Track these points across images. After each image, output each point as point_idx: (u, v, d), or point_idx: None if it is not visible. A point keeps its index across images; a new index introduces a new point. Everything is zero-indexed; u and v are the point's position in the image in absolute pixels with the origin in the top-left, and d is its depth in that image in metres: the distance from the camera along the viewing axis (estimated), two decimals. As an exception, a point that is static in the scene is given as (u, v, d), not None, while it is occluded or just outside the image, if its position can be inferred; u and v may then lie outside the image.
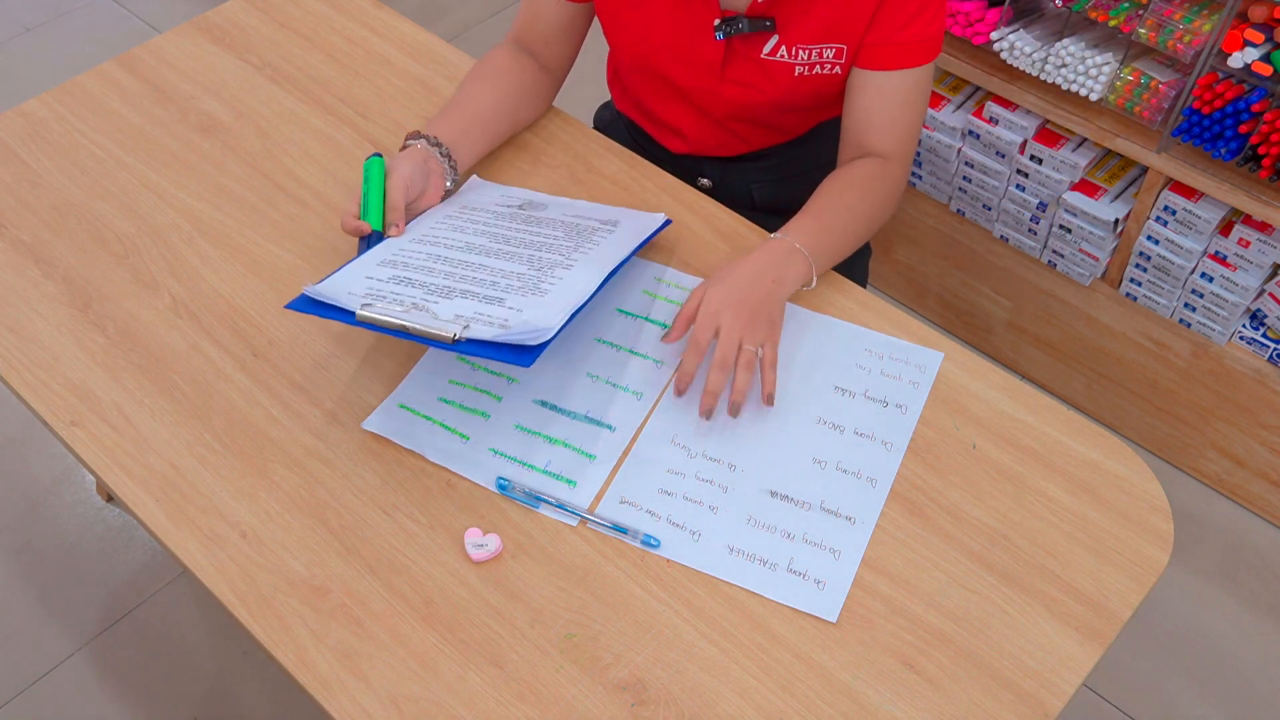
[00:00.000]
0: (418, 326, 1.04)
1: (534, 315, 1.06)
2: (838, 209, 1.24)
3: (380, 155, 1.21)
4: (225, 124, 1.41)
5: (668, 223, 1.26)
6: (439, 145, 1.24)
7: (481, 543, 1.03)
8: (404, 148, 1.25)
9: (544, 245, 1.18)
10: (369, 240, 1.17)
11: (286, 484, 1.08)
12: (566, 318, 1.06)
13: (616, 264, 1.15)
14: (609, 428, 1.11)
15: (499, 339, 1.03)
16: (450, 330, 1.03)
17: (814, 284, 1.20)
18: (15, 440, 2.04)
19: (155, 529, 1.05)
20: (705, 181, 1.46)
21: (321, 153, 1.37)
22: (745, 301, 1.12)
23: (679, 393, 1.11)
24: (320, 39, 1.52)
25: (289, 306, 1.08)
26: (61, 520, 1.94)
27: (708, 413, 1.09)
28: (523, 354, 1.02)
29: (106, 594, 1.85)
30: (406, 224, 1.21)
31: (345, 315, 1.06)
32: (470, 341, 1.03)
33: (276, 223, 1.30)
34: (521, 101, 1.35)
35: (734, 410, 1.10)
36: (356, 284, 1.10)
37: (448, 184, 1.26)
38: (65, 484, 1.99)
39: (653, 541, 1.03)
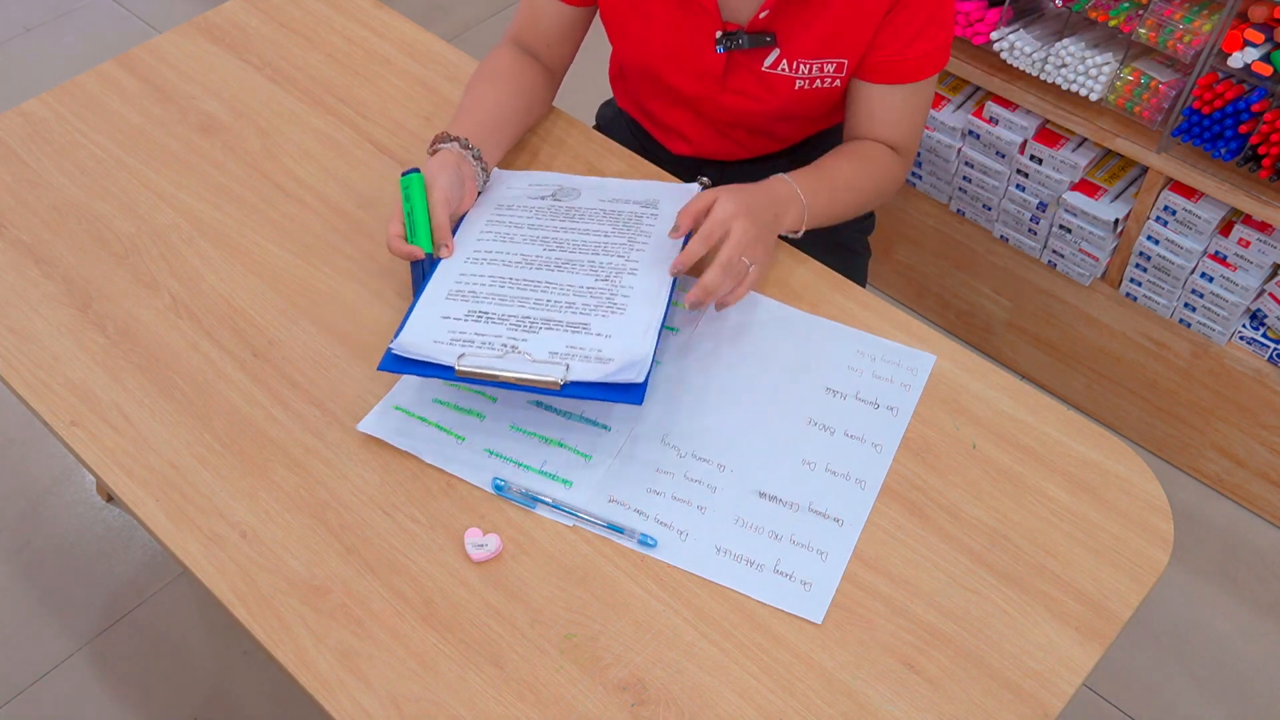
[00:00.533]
0: (523, 375, 1.03)
1: (624, 342, 1.07)
2: (843, 178, 1.25)
3: (418, 170, 1.19)
4: (225, 124, 1.41)
5: (704, 189, 1.24)
6: (470, 147, 1.23)
7: (481, 543, 1.03)
8: (433, 151, 1.23)
9: (599, 246, 1.17)
10: (422, 265, 1.16)
11: (286, 484, 1.08)
12: (655, 339, 1.07)
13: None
14: (605, 428, 1.11)
15: (605, 380, 1.03)
16: (555, 375, 1.03)
17: (799, 234, 1.21)
18: (15, 440, 2.04)
19: (155, 529, 1.05)
20: (705, 180, 1.46)
21: (321, 153, 1.37)
22: (756, 219, 1.13)
23: (674, 271, 1.10)
24: (320, 39, 1.52)
25: (381, 368, 1.07)
26: (61, 520, 1.94)
27: (695, 304, 1.10)
28: (630, 391, 1.03)
29: (106, 594, 1.85)
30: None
31: (443, 371, 1.05)
32: (575, 384, 1.04)
33: (276, 223, 1.30)
34: (531, 102, 1.34)
35: (721, 306, 1.13)
36: (437, 329, 1.09)
37: (479, 187, 1.25)
38: (65, 484, 1.99)
39: (649, 541, 1.03)
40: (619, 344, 1.07)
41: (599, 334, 1.08)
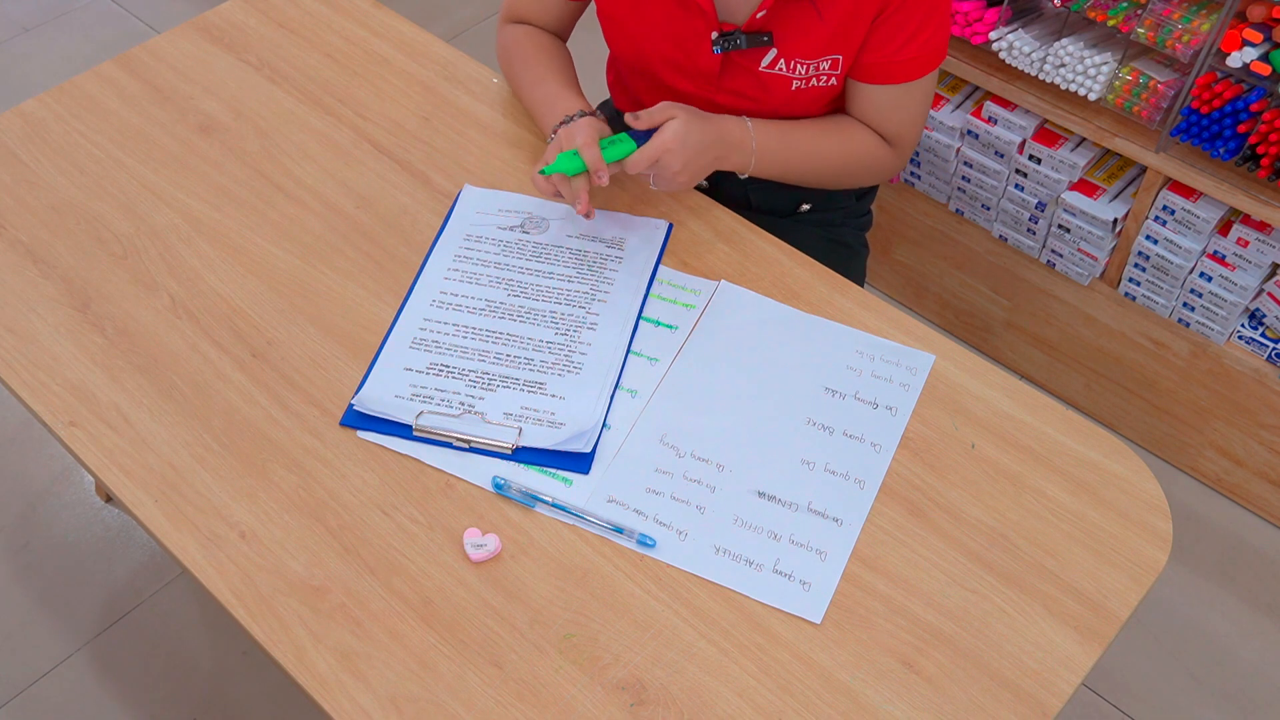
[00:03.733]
0: (477, 439, 1.09)
1: (576, 405, 1.12)
2: (808, 142, 1.28)
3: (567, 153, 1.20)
4: (224, 124, 1.41)
5: (670, 228, 1.27)
6: (588, 112, 1.26)
7: (481, 543, 1.03)
8: (554, 133, 1.24)
9: (562, 295, 1.21)
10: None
11: (285, 484, 1.08)
12: (607, 404, 1.11)
13: (637, 313, 1.19)
14: (606, 426, 1.11)
15: (554, 448, 1.08)
16: (508, 439, 1.09)
17: (743, 176, 1.28)
18: (14, 440, 2.04)
19: (154, 529, 1.05)
20: (702, 183, 1.46)
21: (320, 153, 1.37)
22: (689, 160, 1.19)
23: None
24: (319, 39, 1.52)
25: (343, 423, 1.11)
26: (60, 520, 1.94)
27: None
28: (578, 460, 1.08)
29: (106, 594, 1.85)
30: (422, 268, 1.23)
31: (402, 429, 1.10)
32: (526, 450, 1.09)
33: (275, 223, 1.30)
34: (566, 60, 1.39)
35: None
36: (399, 382, 1.14)
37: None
38: (64, 484, 1.99)
39: (648, 541, 1.03)
40: (571, 408, 1.12)
41: (554, 395, 1.13)
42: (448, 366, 1.15)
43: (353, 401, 1.12)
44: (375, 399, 1.12)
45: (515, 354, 1.16)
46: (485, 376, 1.14)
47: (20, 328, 1.20)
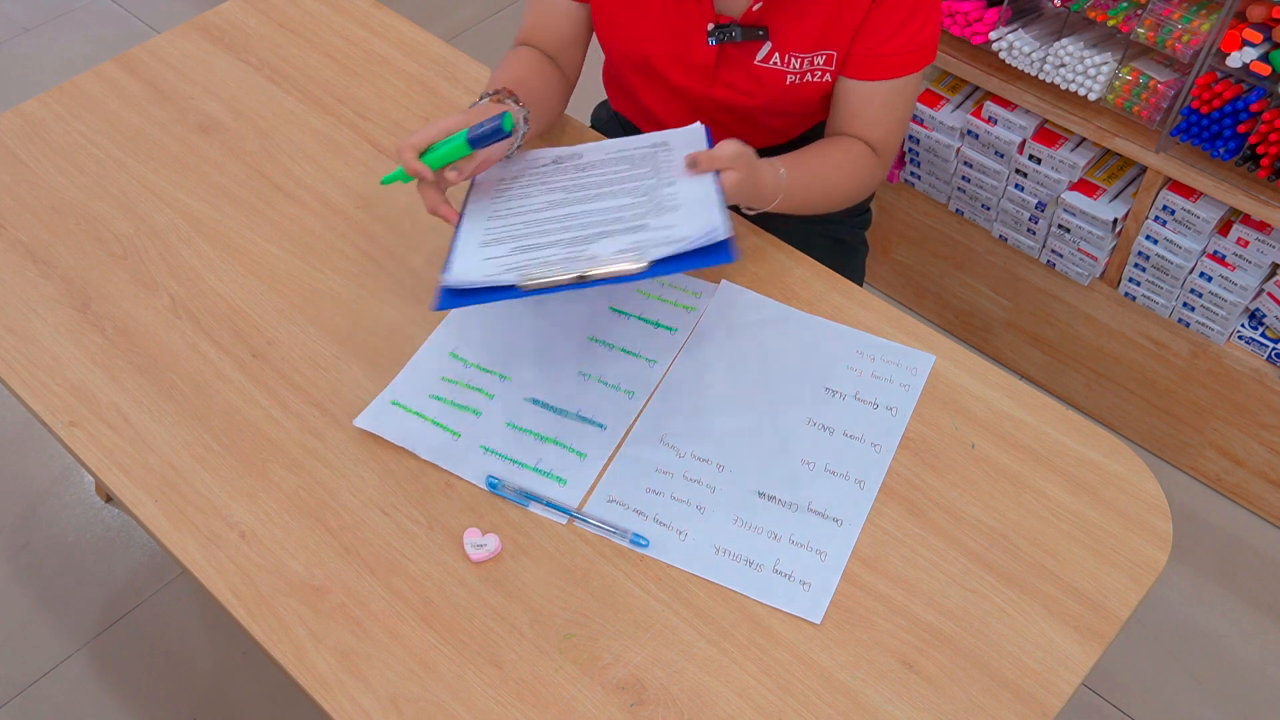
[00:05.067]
0: (599, 271, 0.97)
1: (692, 219, 1.01)
2: (821, 179, 1.26)
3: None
4: (224, 124, 1.41)
5: (708, 130, 1.21)
6: (511, 95, 1.17)
7: (480, 543, 1.03)
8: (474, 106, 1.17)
9: (626, 179, 1.12)
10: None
11: (285, 484, 1.08)
12: (722, 213, 1.02)
13: (714, 185, 1.09)
14: (600, 426, 1.11)
15: (687, 249, 0.97)
16: (634, 263, 0.96)
17: (754, 213, 1.22)
18: (14, 440, 2.04)
19: (154, 529, 1.05)
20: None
21: (320, 153, 1.37)
22: (743, 191, 1.13)
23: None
24: (319, 39, 1.52)
25: (440, 307, 1.00)
26: (61, 521, 1.94)
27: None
28: (718, 250, 0.98)
29: (106, 594, 1.85)
30: (464, 198, 1.15)
31: (506, 293, 0.98)
32: (659, 263, 0.97)
33: (275, 223, 1.30)
34: (552, 95, 1.32)
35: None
36: (486, 268, 1.02)
37: (518, 138, 1.17)
38: (64, 484, 1.99)
39: (641, 541, 1.03)
40: (686, 221, 1.01)
41: (661, 227, 1.02)
42: (534, 244, 1.03)
43: (443, 278, 1.01)
44: (469, 270, 1.00)
45: (602, 219, 1.06)
46: (581, 238, 1.03)
47: (20, 328, 1.20)
